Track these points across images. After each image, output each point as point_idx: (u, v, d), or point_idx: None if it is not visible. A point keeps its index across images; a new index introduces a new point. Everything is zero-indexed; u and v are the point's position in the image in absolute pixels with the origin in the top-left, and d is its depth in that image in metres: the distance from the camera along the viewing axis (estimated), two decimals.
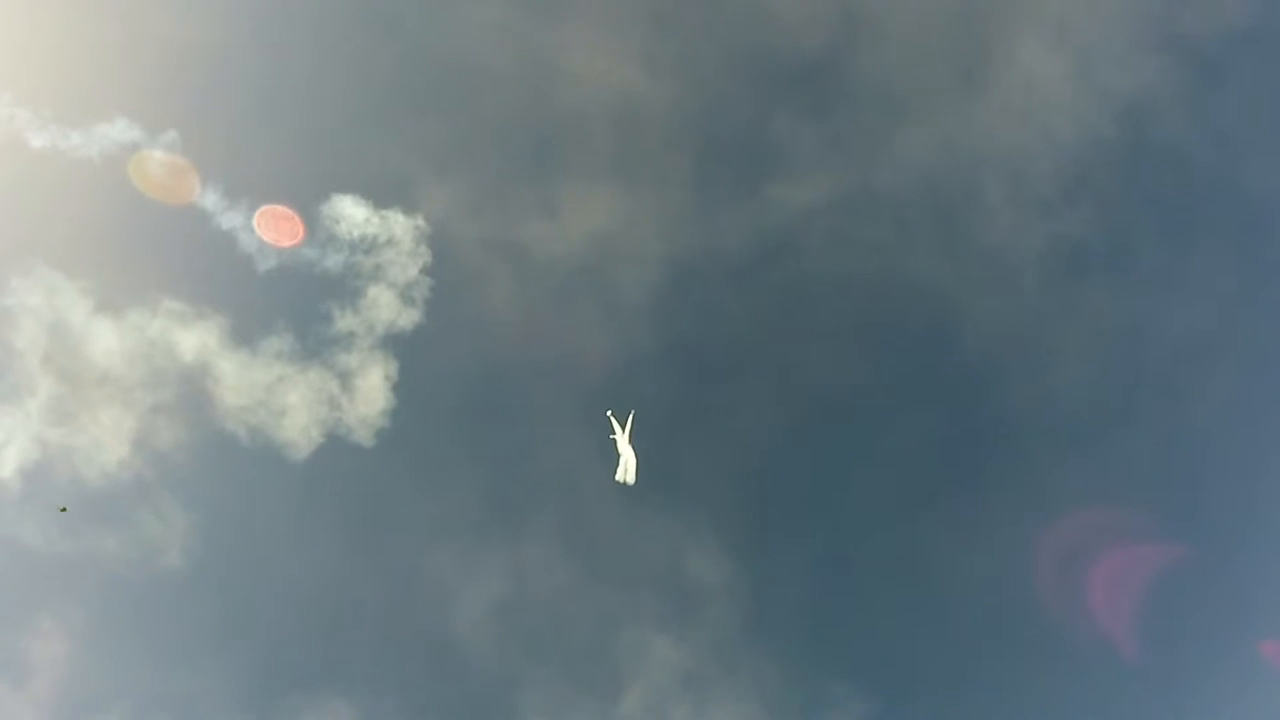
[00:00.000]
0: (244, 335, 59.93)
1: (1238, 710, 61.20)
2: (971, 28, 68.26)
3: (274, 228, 59.96)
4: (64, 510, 59.52)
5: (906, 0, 68.42)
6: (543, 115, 67.33)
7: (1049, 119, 67.26)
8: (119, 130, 57.49)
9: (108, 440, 59.01)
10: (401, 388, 60.78)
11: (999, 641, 63.29)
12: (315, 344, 60.22)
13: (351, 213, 59.72)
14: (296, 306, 60.75)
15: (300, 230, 59.85)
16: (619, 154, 67.14)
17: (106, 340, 59.06)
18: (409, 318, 61.07)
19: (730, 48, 69.15)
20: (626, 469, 61.04)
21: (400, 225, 60.52)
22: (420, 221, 61.07)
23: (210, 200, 58.33)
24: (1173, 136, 66.77)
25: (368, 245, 60.36)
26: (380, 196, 60.80)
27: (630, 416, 61.11)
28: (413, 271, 60.74)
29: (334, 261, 59.66)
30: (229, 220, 58.26)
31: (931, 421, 66.18)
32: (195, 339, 59.51)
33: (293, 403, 59.46)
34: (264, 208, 59.82)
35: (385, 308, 60.50)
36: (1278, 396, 65.22)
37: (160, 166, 59.42)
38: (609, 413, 61.23)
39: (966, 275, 67.13)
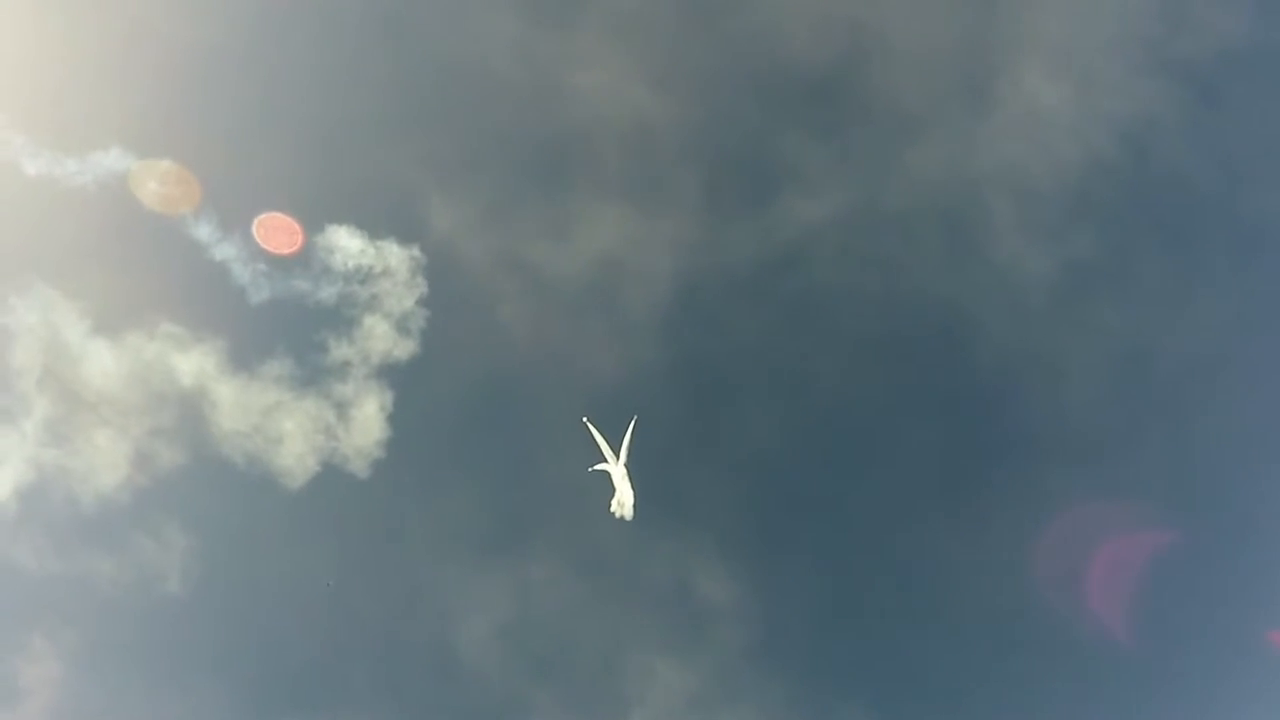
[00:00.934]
0: (240, 361, 59.80)
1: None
2: (975, 54, 68.40)
3: (273, 236, 59.62)
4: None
5: (912, 24, 68.31)
6: (550, 130, 67.24)
7: (1052, 142, 67.47)
8: (113, 159, 57.37)
9: (104, 462, 58.66)
10: (397, 418, 60.72)
11: (1012, 664, 63.18)
12: (311, 373, 60.07)
13: (347, 244, 59.63)
14: (291, 335, 60.59)
15: (300, 238, 59.50)
16: (626, 170, 66.99)
17: (103, 361, 58.68)
18: (405, 348, 61.01)
19: (739, 64, 69.18)
20: (622, 504, 60.30)
21: (396, 256, 60.41)
22: (416, 252, 60.92)
23: (204, 231, 58.19)
24: (1174, 159, 67.29)
25: (363, 276, 60.31)
26: (379, 222, 60.85)
27: (630, 428, 60.29)
28: (409, 302, 60.68)
29: (328, 293, 59.53)
30: (222, 251, 58.06)
31: (940, 439, 66.15)
32: (192, 363, 59.19)
33: (289, 430, 59.23)
34: (263, 216, 59.50)
35: (380, 338, 60.36)
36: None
37: (160, 177, 59.04)
38: (585, 420, 60.39)
39: (974, 294, 67.21)
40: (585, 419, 60.88)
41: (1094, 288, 67.21)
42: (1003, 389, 66.05)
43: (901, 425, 66.06)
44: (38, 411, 58.31)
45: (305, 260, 60.04)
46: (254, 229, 59.36)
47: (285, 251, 59.74)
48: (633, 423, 60.67)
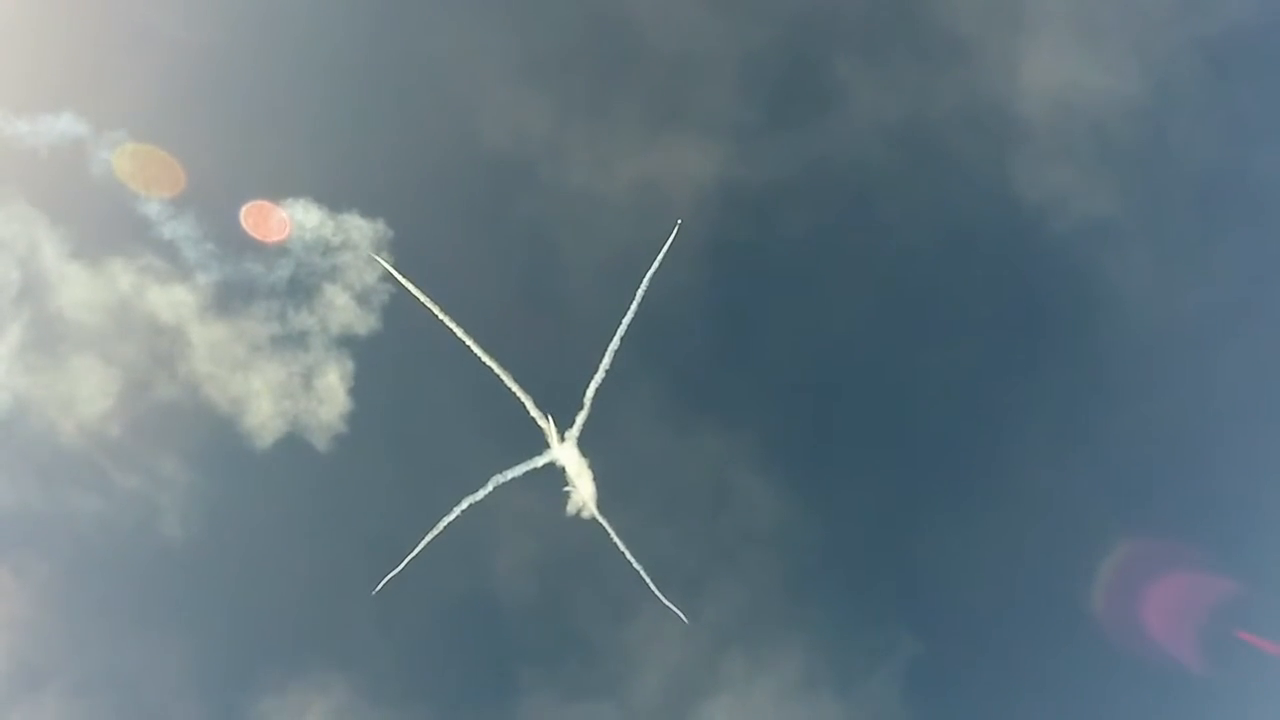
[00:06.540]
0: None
1: None
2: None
3: (260, 224, 58.09)
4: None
5: None
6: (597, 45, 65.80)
7: (1078, 89, 67.10)
8: (65, 123, 55.54)
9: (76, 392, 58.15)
10: (361, 385, 59.52)
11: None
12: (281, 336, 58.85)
13: (304, 218, 57.64)
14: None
15: (287, 226, 57.83)
16: (674, 80, 66.02)
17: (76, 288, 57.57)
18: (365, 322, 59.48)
19: None
20: (582, 499, 50.36)
21: (360, 230, 58.46)
22: (381, 225, 58.68)
23: (154, 208, 56.47)
24: (1192, 126, 66.66)
25: (321, 250, 58.44)
26: (343, 195, 58.63)
27: (671, 236, 52.71)
28: (369, 277, 58.93)
29: (278, 277, 57.98)
30: (171, 230, 56.32)
31: (987, 355, 66.85)
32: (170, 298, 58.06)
33: (257, 387, 58.53)
34: (250, 203, 57.76)
35: (341, 310, 58.91)
36: None
37: (143, 159, 57.31)
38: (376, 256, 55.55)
39: (999, 216, 67.24)
40: (376, 255, 55.50)
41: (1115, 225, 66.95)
42: (1047, 305, 67.68)
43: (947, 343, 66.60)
44: (12, 335, 57.42)
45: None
46: (241, 216, 57.60)
47: (273, 239, 58.13)
48: (675, 228, 54.24)
